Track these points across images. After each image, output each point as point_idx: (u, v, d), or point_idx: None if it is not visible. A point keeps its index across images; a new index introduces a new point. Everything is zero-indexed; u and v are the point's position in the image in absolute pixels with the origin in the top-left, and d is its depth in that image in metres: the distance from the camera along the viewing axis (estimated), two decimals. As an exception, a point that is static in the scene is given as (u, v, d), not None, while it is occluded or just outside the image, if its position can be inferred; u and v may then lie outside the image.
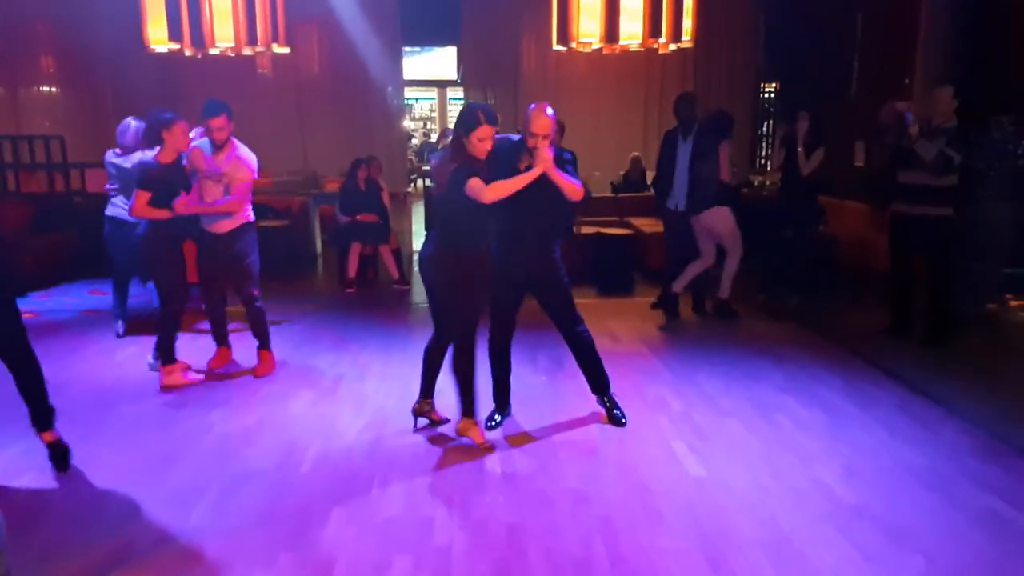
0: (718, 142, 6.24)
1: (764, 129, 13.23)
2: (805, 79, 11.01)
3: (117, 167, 5.71)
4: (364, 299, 7.47)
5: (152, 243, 4.81)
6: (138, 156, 5.30)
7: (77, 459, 3.85)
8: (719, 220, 6.37)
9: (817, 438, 4.12)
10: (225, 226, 4.97)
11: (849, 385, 4.92)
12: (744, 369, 5.22)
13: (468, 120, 3.76)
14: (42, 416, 3.76)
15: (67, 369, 5.28)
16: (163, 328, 4.93)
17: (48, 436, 3.78)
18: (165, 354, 4.94)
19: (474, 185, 3.69)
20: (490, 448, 3.99)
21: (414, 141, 18.34)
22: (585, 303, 7.21)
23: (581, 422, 4.36)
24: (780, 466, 3.80)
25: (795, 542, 3.13)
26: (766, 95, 13.31)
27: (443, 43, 14.53)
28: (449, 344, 4.01)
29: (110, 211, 5.80)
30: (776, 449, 4.00)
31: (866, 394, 4.77)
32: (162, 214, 4.74)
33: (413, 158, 16.43)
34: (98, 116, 11.63)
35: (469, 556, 3.05)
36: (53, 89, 11.66)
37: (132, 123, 5.66)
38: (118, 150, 5.72)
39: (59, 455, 3.78)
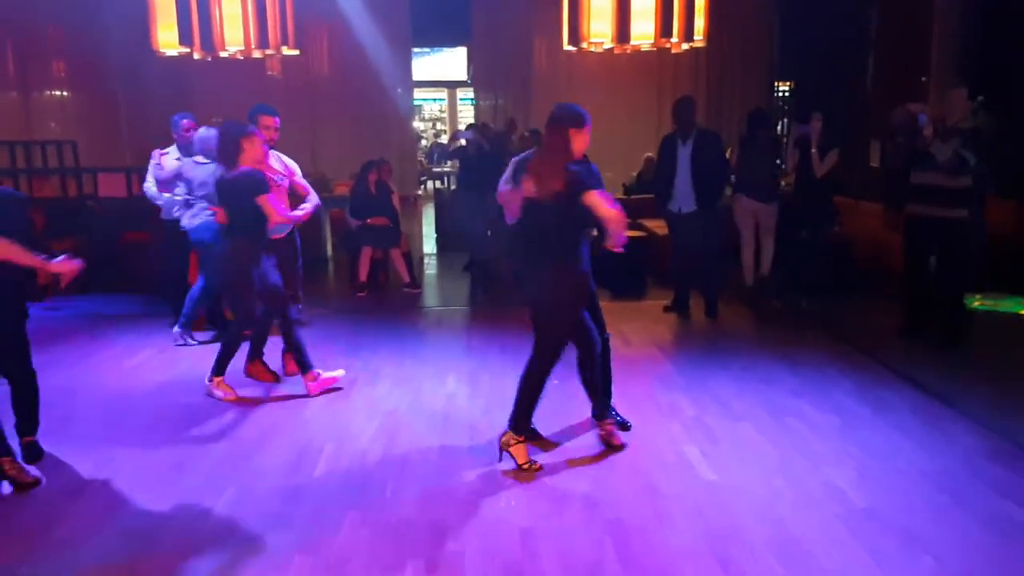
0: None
1: (779, 128, 13.20)
2: (820, 78, 10.98)
3: (195, 176, 5.57)
4: (375, 303, 7.49)
5: (240, 259, 4.66)
6: (212, 167, 5.06)
7: (93, 464, 3.89)
8: (772, 214, 7.02)
9: (829, 441, 4.11)
10: (284, 231, 5.07)
11: (862, 388, 4.91)
12: (757, 373, 5.21)
13: (575, 116, 3.71)
14: (28, 426, 3.93)
15: (81, 375, 5.33)
16: (233, 343, 4.83)
17: (28, 439, 3.93)
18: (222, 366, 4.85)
19: (597, 198, 3.60)
20: (538, 467, 3.84)
21: (423, 143, 18.37)
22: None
23: (593, 426, 4.34)
24: (792, 469, 3.80)
25: (805, 544, 3.14)
26: (780, 94, 13.29)
27: (453, 44, 14.57)
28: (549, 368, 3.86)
29: (189, 222, 5.66)
30: (788, 453, 3.99)
31: (879, 397, 4.75)
32: (300, 216, 4.88)
33: (423, 160, 16.46)
34: (110, 120, 11.73)
35: (481, 559, 3.06)
36: (65, 93, 11.77)
37: (208, 131, 5.48)
38: (199, 158, 5.55)
39: (33, 453, 3.92)
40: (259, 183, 4.58)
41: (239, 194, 4.58)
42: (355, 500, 3.55)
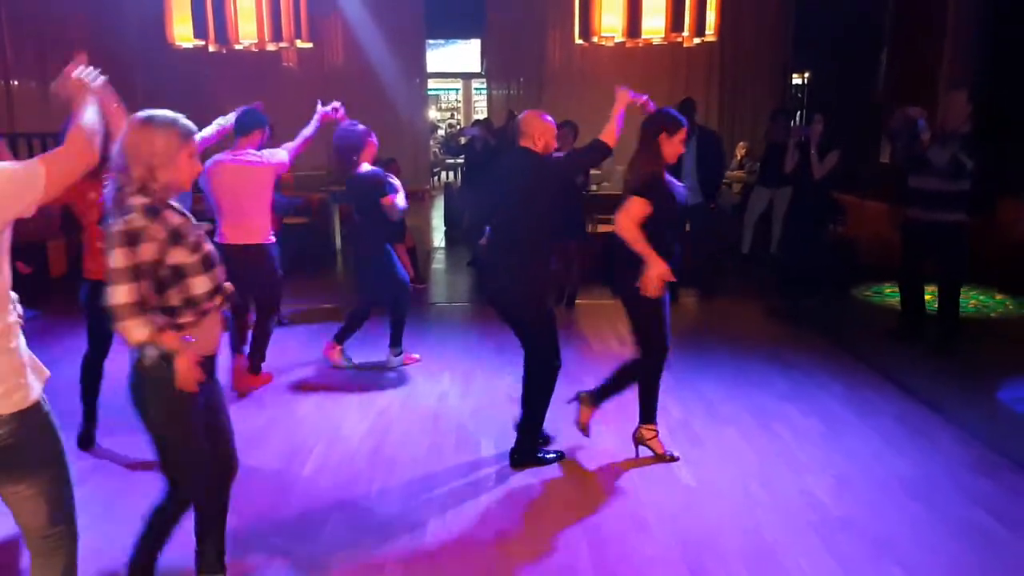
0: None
1: (795, 121, 13.12)
2: (833, 73, 10.92)
3: None
4: (380, 297, 7.57)
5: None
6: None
7: (95, 459, 4.03)
8: (785, 198, 7.82)
9: (812, 448, 4.16)
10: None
11: (851, 392, 4.94)
12: (749, 376, 5.26)
13: (671, 121, 3.81)
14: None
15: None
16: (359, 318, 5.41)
17: None
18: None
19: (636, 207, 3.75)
20: (675, 458, 4.02)
21: (439, 132, 18.42)
22: (597, 304, 7.31)
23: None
24: (771, 476, 3.85)
25: (776, 552, 3.20)
26: (796, 85, 13.19)
27: (467, 36, 14.59)
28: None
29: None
30: (769, 459, 4.05)
31: (867, 402, 4.79)
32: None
33: (438, 150, 16.52)
34: (128, 111, 11.87)
35: (458, 561, 3.16)
36: (85, 83, 11.92)
37: None
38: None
39: None
40: (383, 184, 5.03)
41: (365, 193, 5.03)
42: (341, 499, 3.65)
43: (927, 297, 5.87)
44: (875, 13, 10.30)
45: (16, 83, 11.20)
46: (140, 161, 2.39)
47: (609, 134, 3.87)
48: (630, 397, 4.87)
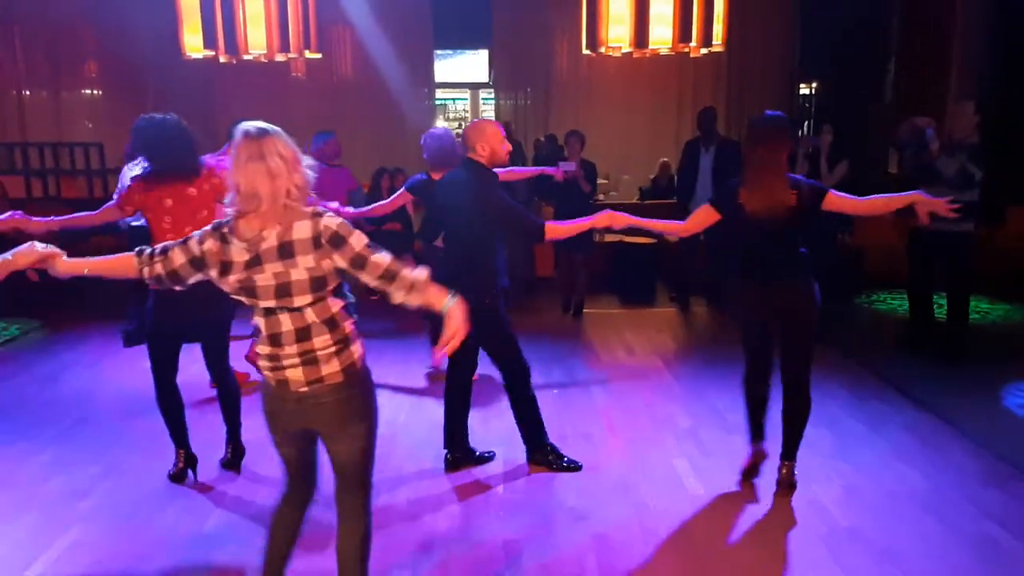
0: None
1: (803, 131, 13.11)
2: (841, 83, 10.92)
3: None
4: (386, 307, 7.57)
5: None
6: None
7: (103, 465, 4.04)
8: None
9: (820, 457, 4.14)
10: None
11: (860, 402, 4.93)
12: (756, 384, 5.24)
13: (782, 130, 3.60)
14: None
15: (99, 375, 5.50)
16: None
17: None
18: None
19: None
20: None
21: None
22: (604, 313, 7.33)
23: (586, 438, 4.44)
24: (779, 488, 3.83)
25: (783, 563, 3.19)
26: (804, 95, 13.19)
27: (475, 46, 14.62)
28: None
29: None
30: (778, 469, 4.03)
31: (876, 412, 4.77)
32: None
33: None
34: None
35: (466, 571, 3.16)
36: (96, 92, 12.01)
37: None
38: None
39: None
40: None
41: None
42: (349, 508, 3.65)
43: (936, 307, 5.85)
44: (882, 22, 10.31)
45: (28, 93, 11.30)
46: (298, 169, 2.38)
47: (556, 231, 3.86)
48: (637, 403, 4.90)
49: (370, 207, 5.17)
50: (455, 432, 4.13)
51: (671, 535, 3.42)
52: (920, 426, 4.57)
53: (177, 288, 2.49)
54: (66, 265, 2.46)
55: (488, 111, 17.20)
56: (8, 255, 2.41)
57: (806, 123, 13.01)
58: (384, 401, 4.96)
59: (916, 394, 5.02)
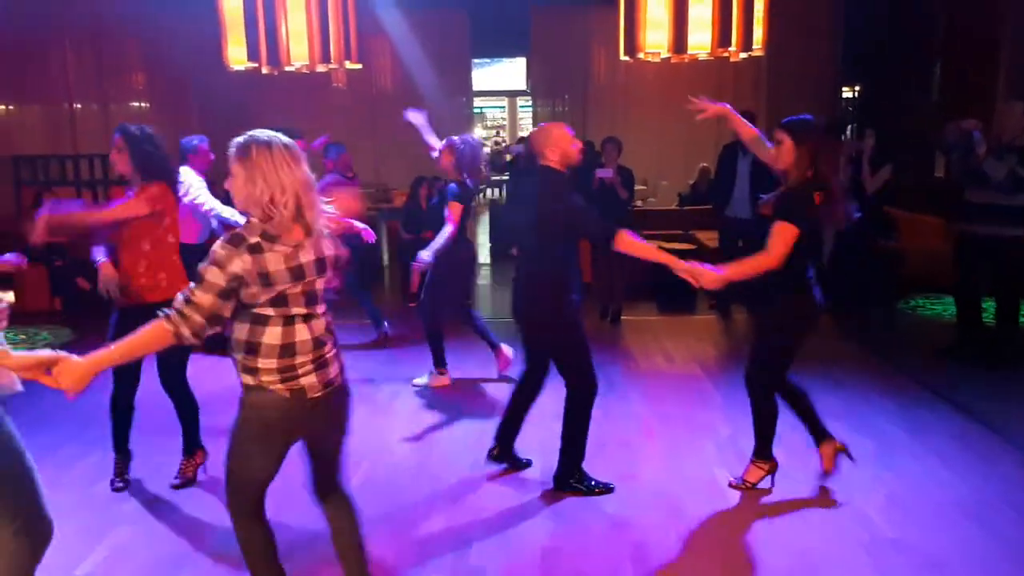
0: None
1: (847, 134, 12.91)
2: (885, 84, 10.73)
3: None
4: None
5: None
6: None
7: (143, 470, 4.13)
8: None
9: (862, 466, 4.07)
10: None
11: (904, 410, 4.83)
12: (797, 392, 5.17)
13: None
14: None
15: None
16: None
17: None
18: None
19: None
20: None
21: (485, 150, 18.54)
22: (643, 320, 7.29)
23: (625, 445, 4.42)
24: (820, 494, 3.79)
25: (824, 572, 3.15)
26: (846, 99, 12.99)
27: (513, 54, 14.73)
28: None
29: None
30: (818, 477, 3.97)
31: (920, 420, 4.68)
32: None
33: (483, 168, 16.62)
34: (183, 132, 12.22)
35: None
36: (143, 105, 12.32)
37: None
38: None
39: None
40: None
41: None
42: (387, 513, 3.69)
43: (984, 312, 5.72)
44: (928, 23, 10.11)
45: (79, 106, 11.62)
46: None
47: (628, 244, 3.60)
48: (676, 412, 4.86)
49: (447, 233, 5.23)
50: (508, 429, 4.09)
51: (710, 544, 3.39)
52: (967, 435, 4.47)
53: (219, 331, 2.38)
54: (87, 365, 2.24)
55: (525, 118, 17.27)
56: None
57: (849, 127, 12.81)
58: (425, 406, 5.05)
59: (961, 401, 4.92)
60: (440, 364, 5.46)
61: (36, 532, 2.44)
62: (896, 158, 6.91)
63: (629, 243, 3.61)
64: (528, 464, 4.17)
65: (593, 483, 3.89)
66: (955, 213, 5.85)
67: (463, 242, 5.43)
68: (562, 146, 3.68)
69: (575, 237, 3.88)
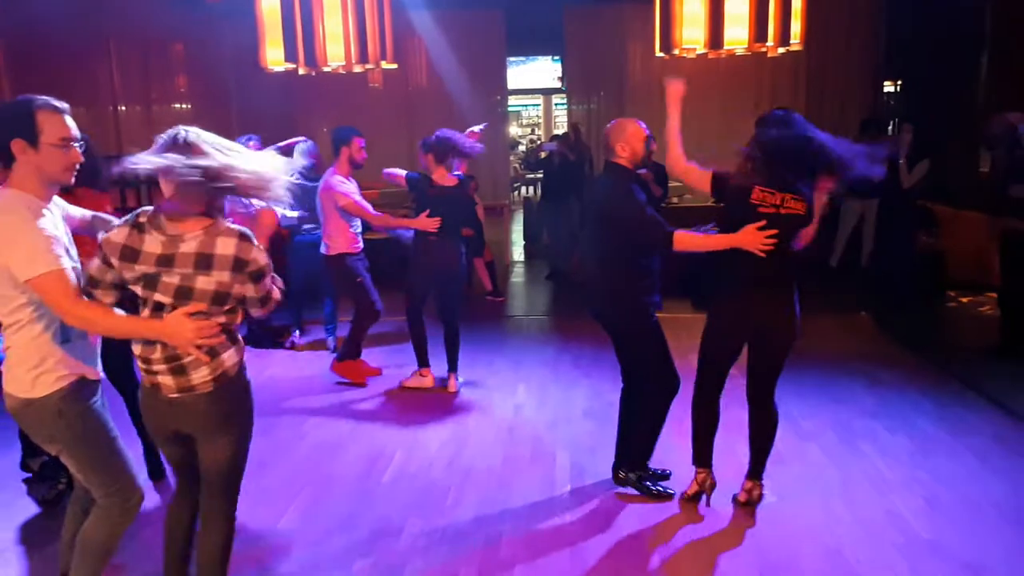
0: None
1: (889, 130, 12.65)
2: (928, 79, 10.49)
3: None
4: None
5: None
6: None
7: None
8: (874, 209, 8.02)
9: (899, 467, 4.01)
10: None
11: (943, 410, 4.74)
12: (833, 392, 5.10)
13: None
14: None
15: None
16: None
17: None
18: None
19: None
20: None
21: (520, 148, 18.55)
22: (677, 318, 7.21)
23: (657, 444, 4.38)
24: (855, 495, 3.74)
25: (859, 574, 3.09)
26: (888, 93, 12.74)
27: (547, 52, 14.68)
28: None
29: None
30: (854, 477, 3.92)
31: (960, 420, 4.58)
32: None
33: (518, 165, 16.65)
34: (223, 132, 12.42)
35: (531, 573, 3.17)
36: (185, 106, 12.55)
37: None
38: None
39: None
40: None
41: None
42: (418, 508, 3.72)
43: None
44: (974, 16, 9.86)
45: (123, 108, 11.87)
46: None
47: (686, 242, 3.55)
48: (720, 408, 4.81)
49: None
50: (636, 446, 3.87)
51: (742, 543, 3.36)
52: (1008, 436, 4.37)
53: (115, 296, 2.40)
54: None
55: (560, 116, 17.22)
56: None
57: (891, 123, 12.57)
58: (457, 401, 5.07)
59: (1005, 402, 4.80)
60: (423, 364, 5.40)
61: (127, 497, 2.64)
62: (938, 153, 6.75)
63: (688, 241, 3.54)
64: (668, 475, 3.97)
65: (654, 487, 3.80)
66: (999, 209, 5.71)
67: (446, 241, 5.35)
68: (633, 144, 3.62)
69: (638, 244, 3.66)
